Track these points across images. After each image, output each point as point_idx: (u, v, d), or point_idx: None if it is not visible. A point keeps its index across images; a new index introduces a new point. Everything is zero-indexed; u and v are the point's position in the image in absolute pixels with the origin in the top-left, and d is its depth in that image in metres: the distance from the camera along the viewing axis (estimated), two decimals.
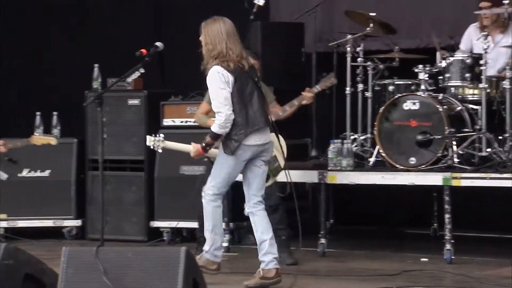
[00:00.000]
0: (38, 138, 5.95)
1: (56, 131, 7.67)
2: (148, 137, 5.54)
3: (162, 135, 5.72)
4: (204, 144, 5.41)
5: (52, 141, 6.01)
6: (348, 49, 6.93)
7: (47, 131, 7.68)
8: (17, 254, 4.47)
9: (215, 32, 5.35)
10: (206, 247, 5.47)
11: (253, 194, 5.47)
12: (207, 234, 5.44)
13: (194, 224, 6.77)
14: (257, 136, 5.37)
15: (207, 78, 5.35)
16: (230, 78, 5.31)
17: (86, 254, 4.31)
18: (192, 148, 5.51)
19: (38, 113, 7.70)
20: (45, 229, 7.57)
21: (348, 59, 6.93)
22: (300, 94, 6.52)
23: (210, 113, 6.46)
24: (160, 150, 5.72)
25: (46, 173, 7.59)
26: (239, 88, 5.32)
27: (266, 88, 6.51)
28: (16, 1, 8.40)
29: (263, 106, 5.41)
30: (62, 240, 7.52)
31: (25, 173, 7.55)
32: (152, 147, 5.57)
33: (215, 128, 5.33)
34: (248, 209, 5.49)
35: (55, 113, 7.70)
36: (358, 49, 6.92)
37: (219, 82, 5.30)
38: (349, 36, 6.96)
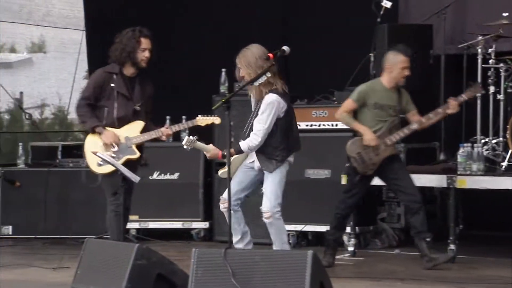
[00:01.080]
0: (203, 119, 6.11)
1: (184, 134, 7.83)
2: (186, 137, 5.68)
3: (196, 136, 5.85)
4: (225, 153, 5.53)
5: (216, 120, 6.14)
6: (479, 50, 6.74)
7: (176, 134, 7.86)
8: (149, 255, 4.60)
9: (253, 60, 5.53)
10: None
11: (244, 195, 5.65)
12: (286, 246, 5.61)
13: (320, 228, 6.75)
14: (291, 156, 5.67)
15: (265, 102, 5.52)
16: (284, 107, 5.56)
17: (214, 256, 4.39)
18: (211, 149, 5.66)
19: (168, 117, 7.91)
20: (174, 230, 7.75)
21: (479, 60, 6.74)
22: (446, 102, 6.31)
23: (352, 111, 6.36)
24: (188, 149, 5.83)
25: (175, 175, 7.76)
26: (287, 116, 5.58)
27: (407, 97, 6.34)
28: (150, 4, 8.65)
29: (298, 129, 5.69)
30: (191, 241, 7.68)
31: (155, 175, 7.76)
32: (185, 147, 5.70)
33: (244, 147, 5.56)
34: (233, 206, 5.52)
35: (184, 117, 7.86)
36: (489, 50, 6.72)
37: (274, 112, 5.53)
38: (480, 37, 6.77)
